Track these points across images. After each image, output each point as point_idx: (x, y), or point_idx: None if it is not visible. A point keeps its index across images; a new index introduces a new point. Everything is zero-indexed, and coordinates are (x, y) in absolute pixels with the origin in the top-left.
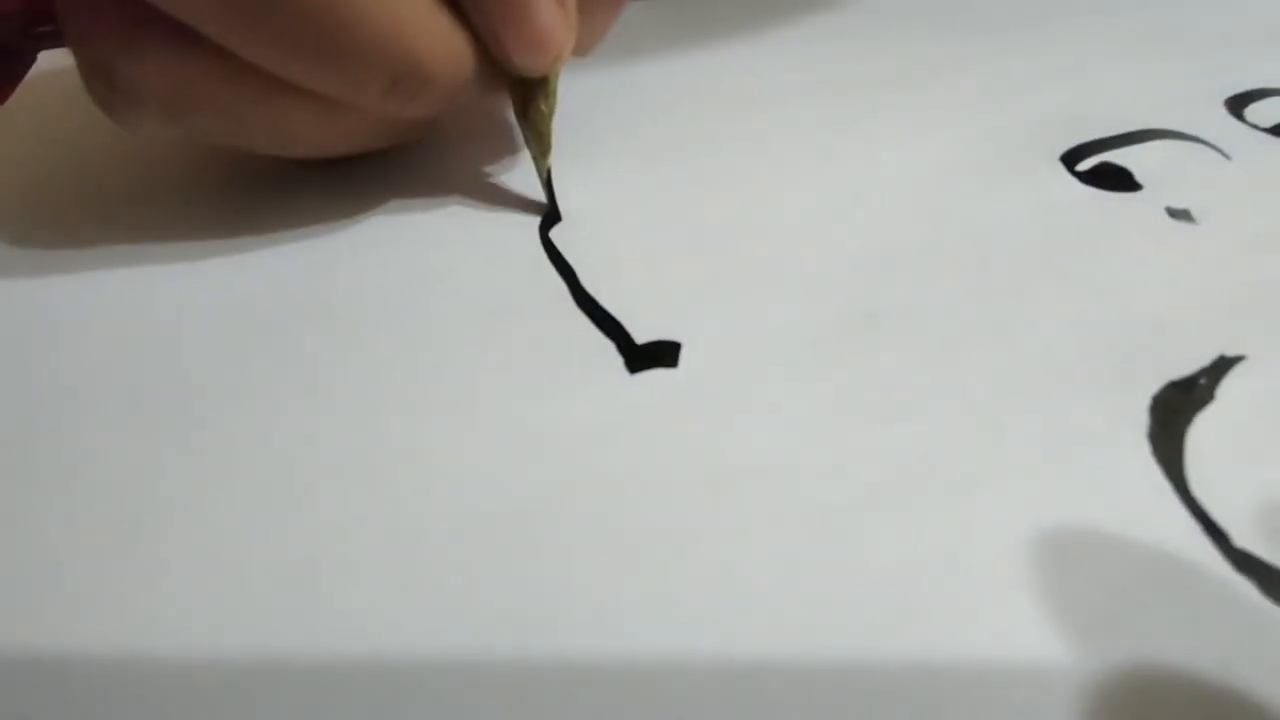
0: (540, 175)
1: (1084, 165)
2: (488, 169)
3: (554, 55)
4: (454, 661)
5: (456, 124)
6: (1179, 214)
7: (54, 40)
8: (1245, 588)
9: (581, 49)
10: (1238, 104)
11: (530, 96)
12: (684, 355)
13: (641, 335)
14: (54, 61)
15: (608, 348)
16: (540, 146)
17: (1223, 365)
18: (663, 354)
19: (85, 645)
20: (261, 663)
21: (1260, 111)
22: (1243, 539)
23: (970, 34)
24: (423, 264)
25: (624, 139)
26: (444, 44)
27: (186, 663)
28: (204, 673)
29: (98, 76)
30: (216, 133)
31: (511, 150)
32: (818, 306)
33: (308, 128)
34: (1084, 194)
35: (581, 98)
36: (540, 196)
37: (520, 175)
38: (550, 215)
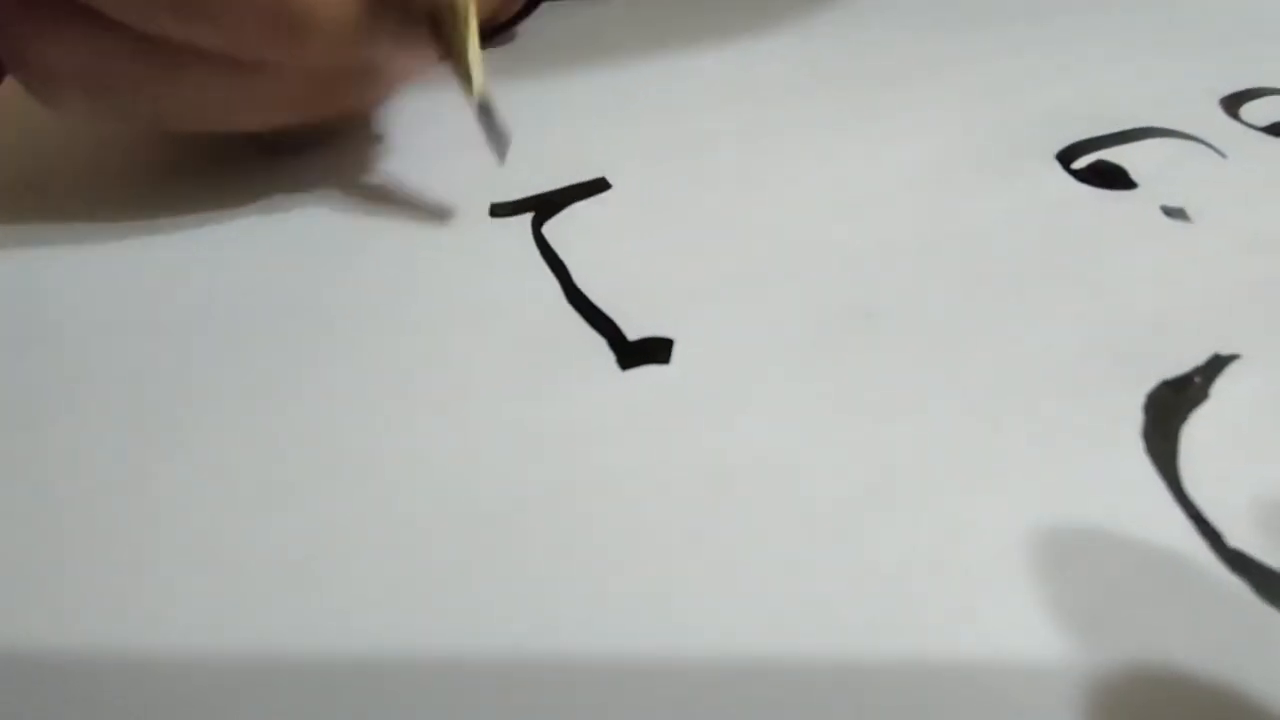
0: (474, 107)
1: (1080, 163)
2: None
3: None
4: (451, 660)
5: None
6: (1174, 212)
7: None
8: (1239, 587)
9: None
10: (1233, 103)
11: (443, 27)
12: (677, 352)
13: (635, 332)
14: None
15: (600, 344)
16: (464, 74)
17: (1217, 364)
18: (655, 350)
19: (80, 642)
20: (257, 661)
21: (1256, 110)
22: (1237, 539)
23: (966, 31)
24: (413, 260)
25: (618, 135)
26: None
27: (182, 660)
28: (199, 671)
29: (17, 64)
30: (138, 111)
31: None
32: (814, 304)
33: (221, 96)
34: (1080, 192)
35: (575, 94)
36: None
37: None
38: (499, 147)
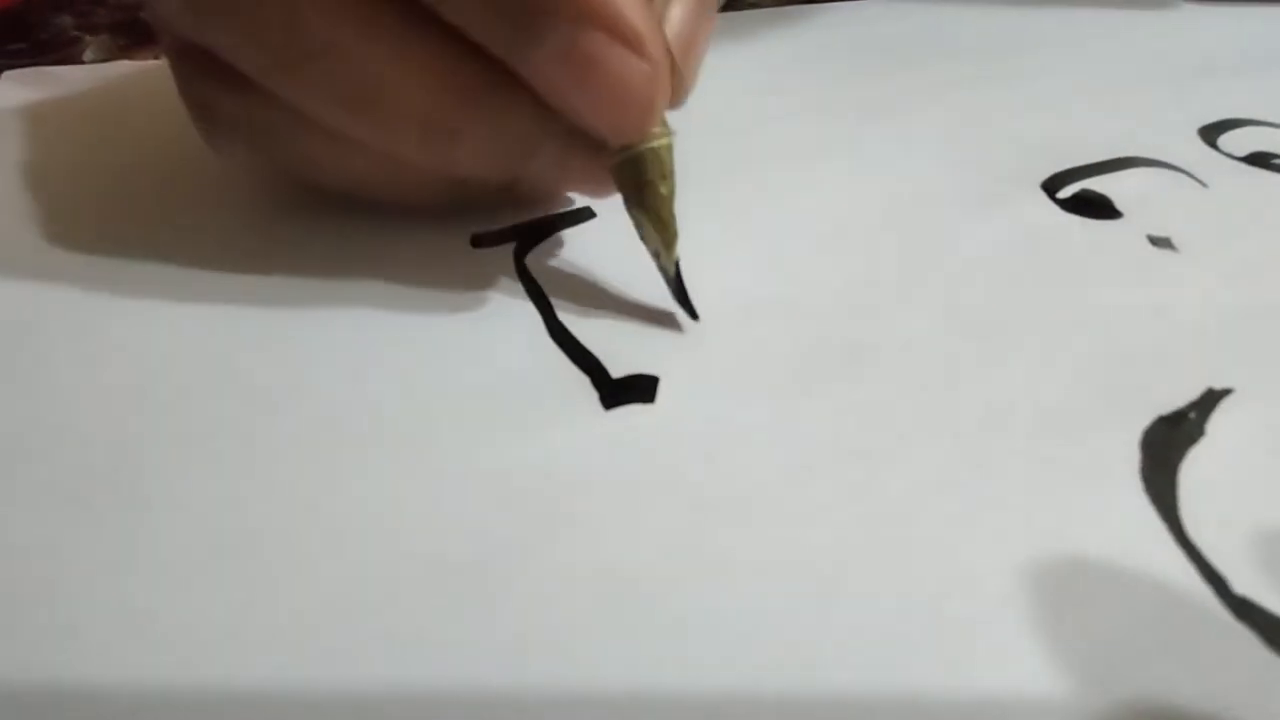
0: (666, 271)
1: (1065, 193)
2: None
3: (641, 118)
4: (423, 712)
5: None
6: (1160, 242)
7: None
8: (1246, 635)
9: (678, 97)
10: (1211, 133)
11: (637, 177)
12: (662, 390)
13: (618, 369)
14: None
15: (583, 382)
16: (663, 236)
17: (1211, 399)
18: (639, 388)
19: (51, 684)
20: (219, 705)
21: (1233, 141)
22: (1241, 583)
23: (946, 63)
24: (389, 291)
25: None
26: (472, 100)
27: (153, 705)
28: (160, 715)
29: (201, 111)
30: (297, 171)
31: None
32: (800, 339)
33: (371, 177)
34: (1067, 222)
35: None
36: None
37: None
38: (688, 312)
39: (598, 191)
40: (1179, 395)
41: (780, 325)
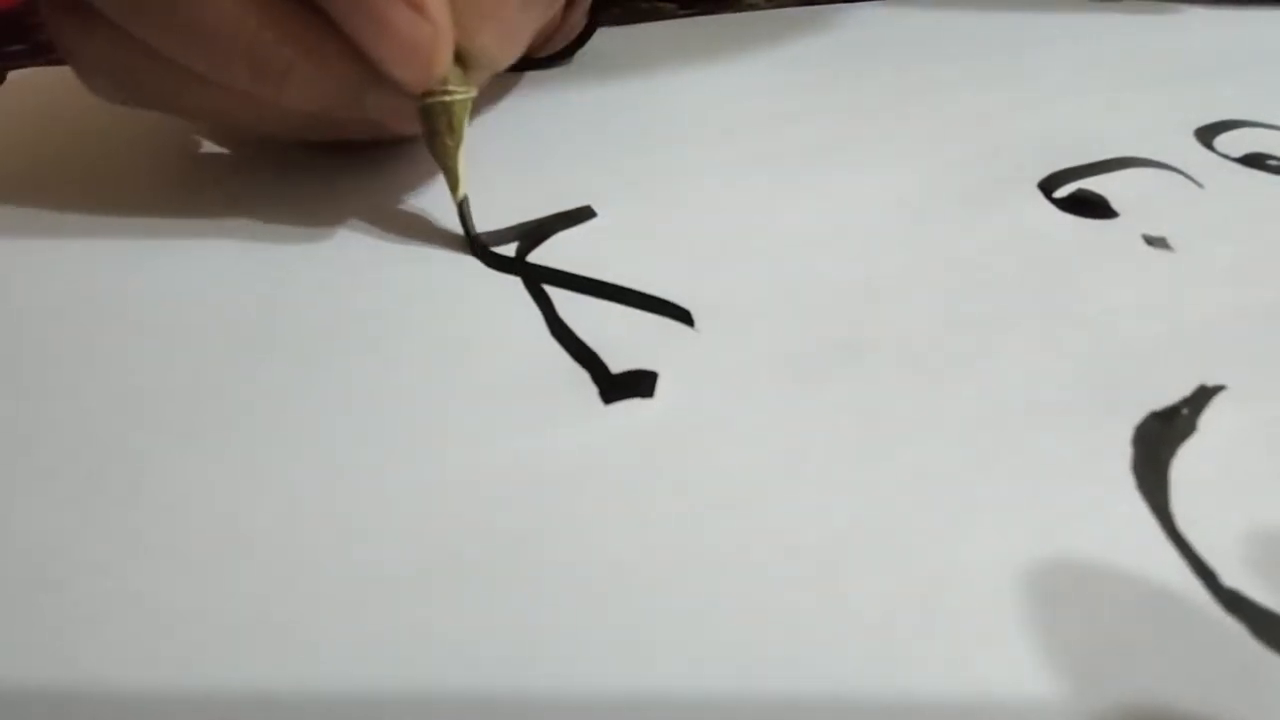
0: (456, 207)
1: (1061, 192)
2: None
3: (422, 68)
4: (422, 709)
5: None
6: (1156, 241)
7: (23, 60)
8: (1235, 629)
9: (489, 59)
10: (1207, 134)
11: (434, 127)
12: (661, 386)
13: (618, 365)
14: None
15: (583, 378)
16: (448, 179)
17: (1203, 395)
18: (638, 384)
19: (35, 681)
20: (217, 711)
21: (1229, 142)
22: (1231, 577)
23: (943, 63)
24: (391, 290)
25: (600, 167)
26: (294, 37)
27: (137, 710)
28: (162, 713)
29: (74, 58)
30: (168, 108)
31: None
32: (798, 337)
33: (234, 111)
34: (1063, 222)
35: (560, 125)
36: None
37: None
38: (474, 246)
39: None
40: (1173, 392)
41: (779, 322)
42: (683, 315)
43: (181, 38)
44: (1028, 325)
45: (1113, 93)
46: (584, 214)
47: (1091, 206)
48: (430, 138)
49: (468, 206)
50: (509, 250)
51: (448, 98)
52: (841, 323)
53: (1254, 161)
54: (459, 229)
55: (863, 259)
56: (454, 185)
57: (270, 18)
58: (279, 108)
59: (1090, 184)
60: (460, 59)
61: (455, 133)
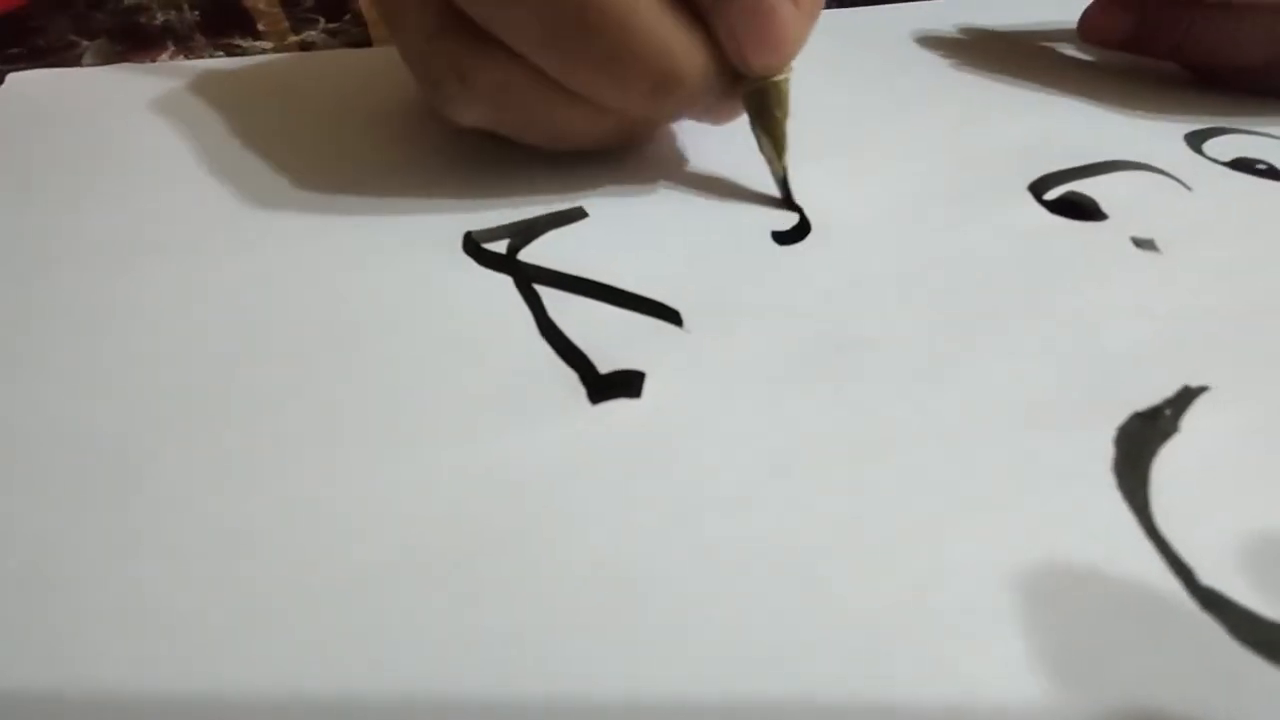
0: (776, 176)
1: (1051, 194)
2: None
3: (789, 55)
4: (412, 706)
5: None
6: (1144, 244)
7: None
8: (1213, 627)
9: (801, 43)
10: (1196, 140)
11: (764, 104)
12: (649, 386)
13: (607, 365)
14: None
15: (571, 378)
16: (776, 149)
17: (1187, 396)
18: (626, 383)
19: (30, 684)
20: (211, 708)
21: (1218, 147)
22: (1208, 575)
23: (930, 68)
24: (382, 288)
25: (595, 165)
26: (691, 49)
27: (133, 706)
28: (152, 716)
29: (452, 75)
30: (515, 127)
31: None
32: (787, 338)
33: (580, 129)
34: (1054, 224)
35: None
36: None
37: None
38: (792, 210)
39: (723, 120)
40: (1158, 393)
41: (767, 324)
42: (672, 316)
43: (606, 71)
44: (1016, 326)
45: (1103, 99)
46: (575, 214)
47: (1081, 209)
48: (761, 115)
49: (788, 177)
50: (499, 249)
51: (779, 77)
52: (829, 324)
53: (1243, 166)
54: (456, 224)
55: (853, 260)
56: (780, 153)
57: (672, 30)
58: (627, 121)
59: (1081, 186)
60: None
61: (783, 106)
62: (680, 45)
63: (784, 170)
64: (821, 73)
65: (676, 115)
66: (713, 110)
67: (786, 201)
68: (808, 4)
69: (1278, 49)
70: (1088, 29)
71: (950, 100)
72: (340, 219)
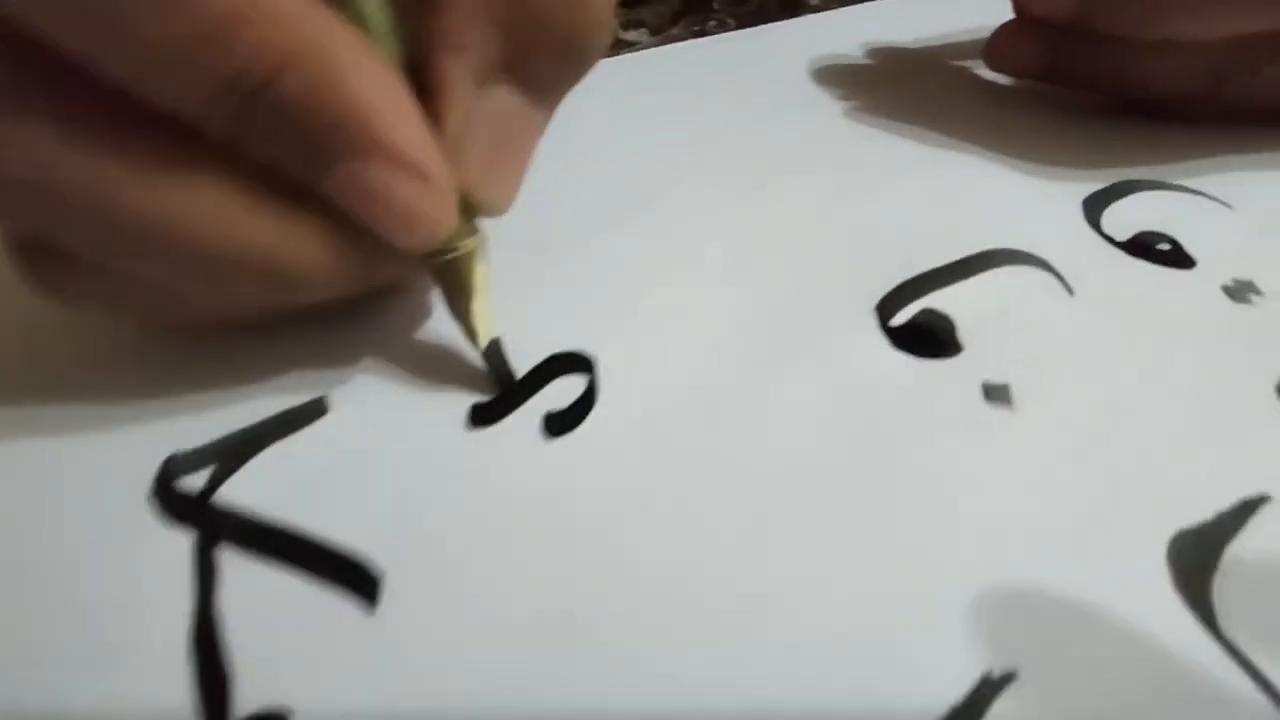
0: (482, 356)
1: (901, 317)
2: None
3: (428, 234)
4: None
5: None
6: (996, 393)
7: None
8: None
9: (493, 208)
10: (1097, 205)
11: (448, 278)
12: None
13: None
14: None
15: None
16: (468, 332)
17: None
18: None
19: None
20: None
21: (1120, 214)
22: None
23: (827, 114)
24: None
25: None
26: (307, 242)
27: None
28: None
29: (51, 293)
30: (157, 320)
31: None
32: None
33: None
34: (894, 366)
35: None
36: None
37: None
38: (503, 387)
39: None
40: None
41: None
42: (366, 583)
43: (178, 270)
44: (852, 490)
45: (1003, 145)
46: (314, 410)
47: (933, 337)
48: (445, 294)
49: (499, 348)
50: (199, 480)
51: (451, 255)
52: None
53: (1140, 247)
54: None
55: (616, 460)
56: (471, 336)
57: (270, 225)
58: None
59: (940, 300)
60: (464, 207)
61: (466, 285)
62: (289, 243)
63: (487, 348)
64: (669, 126)
65: (356, 284)
66: (414, 276)
67: (499, 383)
68: (439, 175)
69: (1198, 84)
70: (995, 57)
71: (826, 162)
72: None
